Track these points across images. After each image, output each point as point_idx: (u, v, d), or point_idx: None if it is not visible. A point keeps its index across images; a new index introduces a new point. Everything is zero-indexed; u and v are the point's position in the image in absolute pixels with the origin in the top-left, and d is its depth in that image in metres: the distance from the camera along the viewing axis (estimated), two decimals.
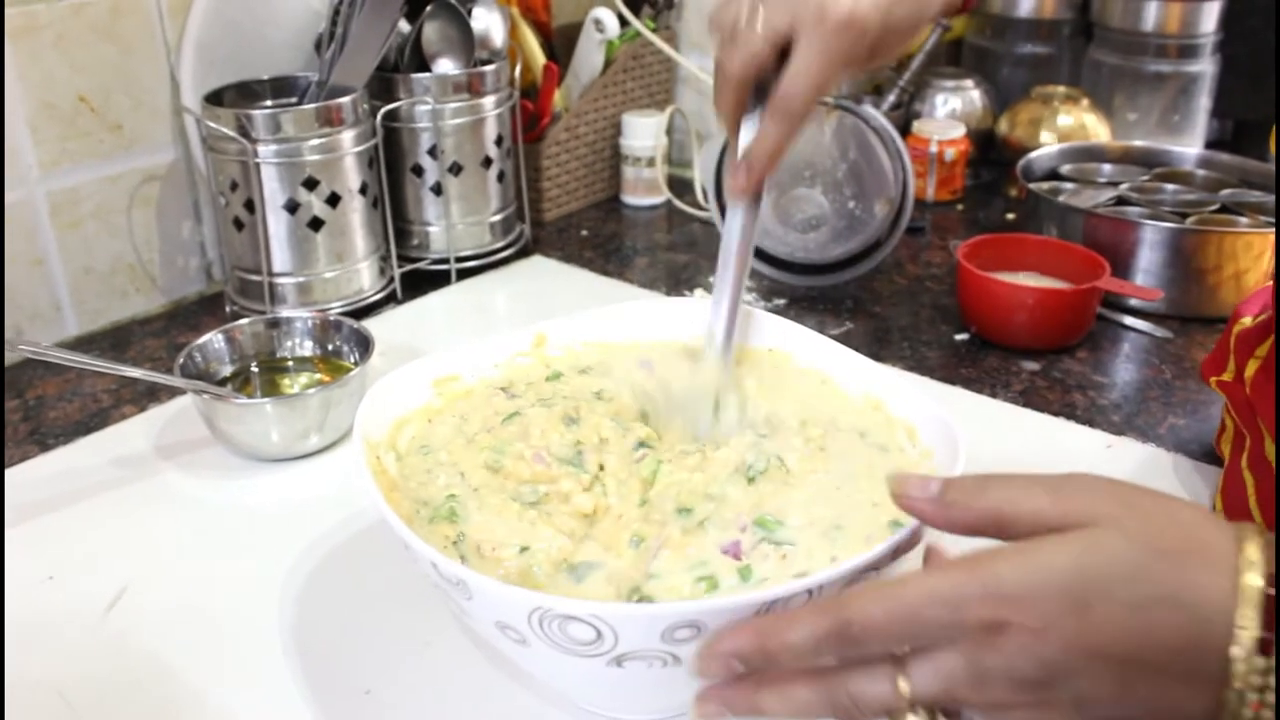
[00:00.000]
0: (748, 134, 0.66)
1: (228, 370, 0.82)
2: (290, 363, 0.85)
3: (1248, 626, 0.37)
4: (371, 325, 0.98)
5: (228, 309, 1.01)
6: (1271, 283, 0.69)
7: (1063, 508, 0.41)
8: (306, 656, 0.61)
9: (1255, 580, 0.38)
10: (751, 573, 0.51)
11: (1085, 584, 0.38)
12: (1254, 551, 0.39)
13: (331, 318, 0.85)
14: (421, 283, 1.07)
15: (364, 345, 0.82)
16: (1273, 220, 1.02)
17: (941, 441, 0.57)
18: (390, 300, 1.04)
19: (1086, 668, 0.39)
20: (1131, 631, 0.38)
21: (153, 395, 0.87)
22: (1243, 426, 0.69)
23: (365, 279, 1.01)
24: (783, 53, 0.63)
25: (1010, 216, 1.27)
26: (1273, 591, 0.37)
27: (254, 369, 0.84)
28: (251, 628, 0.63)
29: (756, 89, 0.65)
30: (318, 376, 0.84)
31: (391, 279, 1.04)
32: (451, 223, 1.07)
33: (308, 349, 0.85)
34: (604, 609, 0.43)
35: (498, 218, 1.11)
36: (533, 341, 0.70)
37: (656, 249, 1.20)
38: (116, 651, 0.61)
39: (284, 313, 0.89)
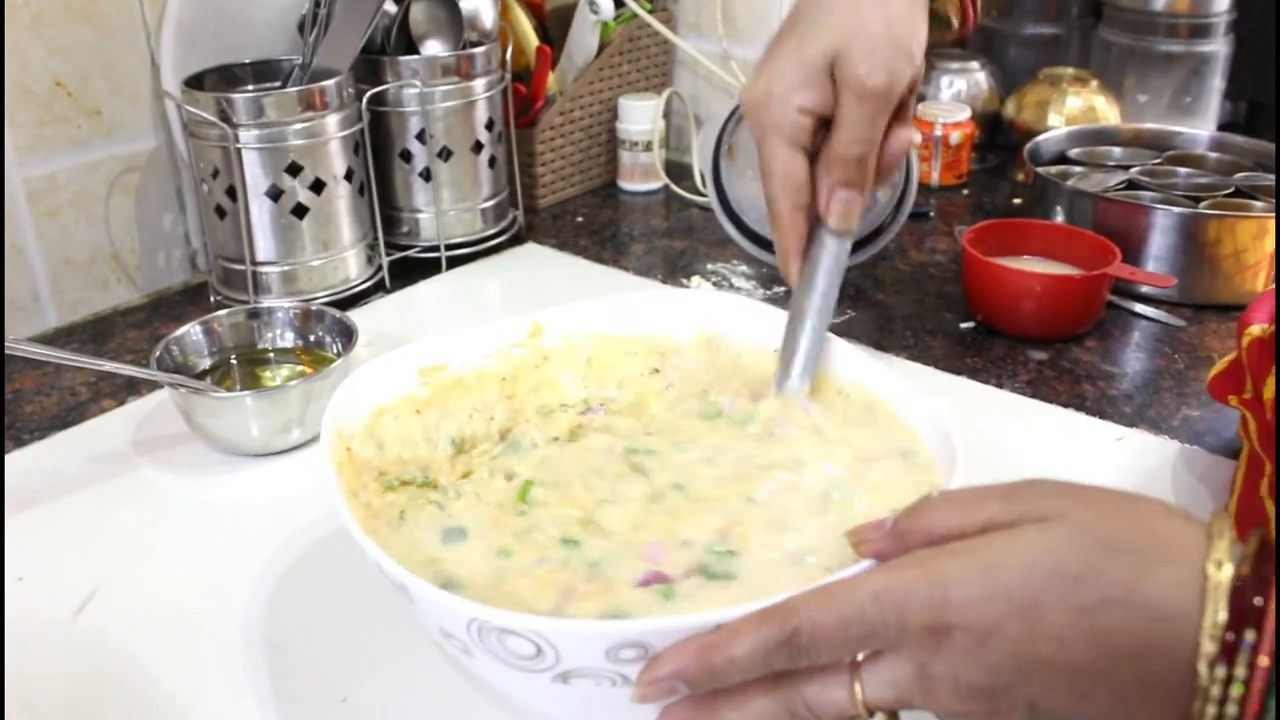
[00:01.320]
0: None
1: (206, 363, 0.80)
2: (272, 354, 0.82)
3: (1215, 630, 0.34)
4: (359, 315, 0.95)
5: (212, 299, 0.98)
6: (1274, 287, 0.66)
7: (1014, 510, 0.38)
8: (283, 661, 0.58)
9: (1223, 574, 0.35)
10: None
11: (1032, 584, 0.36)
12: (1223, 548, 0.35)
13: (314, 308, 0.83)
14: (411, 271, 1.05)
15: (347, 335, 0.79)
16: None
17: (941, 451, 0.54)
18: (379, 289, 1.01)
19: (1036, 675, 0.36)
20: (1082, 637, 0.35)
21: (132, 389, 0.85)
22: (1262, 451, 0.63)
23: (352, 267, 0.98)
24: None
25: (1017, 201, 1.24)
26: (1244, 582, 0.34)
27: (234, 361, 0.81)
28: (227, 631, 0.60)
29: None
30: (300, 368, 0.81)
31: (380, 267, 1.01)
32: (441, 209, 1.05)
33: (289, 340, 0.82)
34: (541, 624, 0.40)
35: (489, 204, 1.08)
36: (528, 331, 0.67)
37: (654, 235, 1.17)
38: (86, 655, 0.59)
39: (267, 302, 0.86)
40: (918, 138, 0.66)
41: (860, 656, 0.39)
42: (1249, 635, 0.34)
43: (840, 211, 0.65)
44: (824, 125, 0.64)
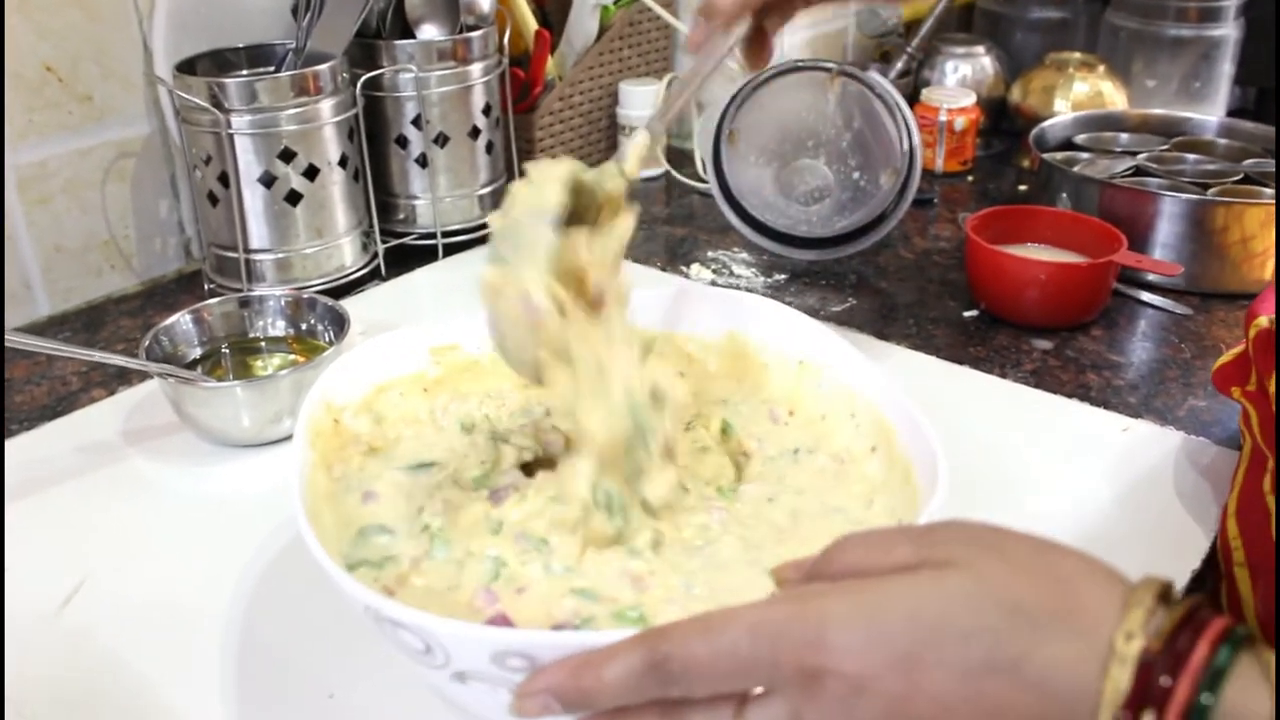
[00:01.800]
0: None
1: (197, 352, 0.79)
2: (263, 344, 0.81)
3: (1114, 710, 0.31)
4: (354, 303, 0.94)
5: (205, 287, 0.97)
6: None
7: (920, 554, 0.36)
8: (270, 657, 0.57)
9: (1130, 648, 0.31)
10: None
11: (915, 635, 0.33)
12: (1137, 617, 0.32)
13: (305, 296, 0.81)
14: (407, 258, 1.03)
15: (339, 324, 0.78)
16: None
17: (925, 471, 0.52)
18: (374, 277, 1.00)
19: None
20: (961, 702, 0.32)
21: (123, 378, 0.84)
22: (1264, 446, 0.61)
23: (347, 255, 0.97)
24: None
25: (1022, 188, 1.22)
26: (1153, 662, 0.31)
27: (225, 351, 0.80)
28: (214, 625, 0.59)
29: None
30: (292, 357, 0.80)
31: (375, 255, 1.00)
32: (438, 196, 1.03)
33: (280, 329, 0.81)
34: (426, 621, 0.39)
35: (487, 190, 1.07)
36: None
37: (654, 222, 1.15)
38: (71, 650, 0.58)
39: (261, 290, 0.85)
40: None
41: (757, 691, 0.36)
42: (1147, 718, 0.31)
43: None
44: None
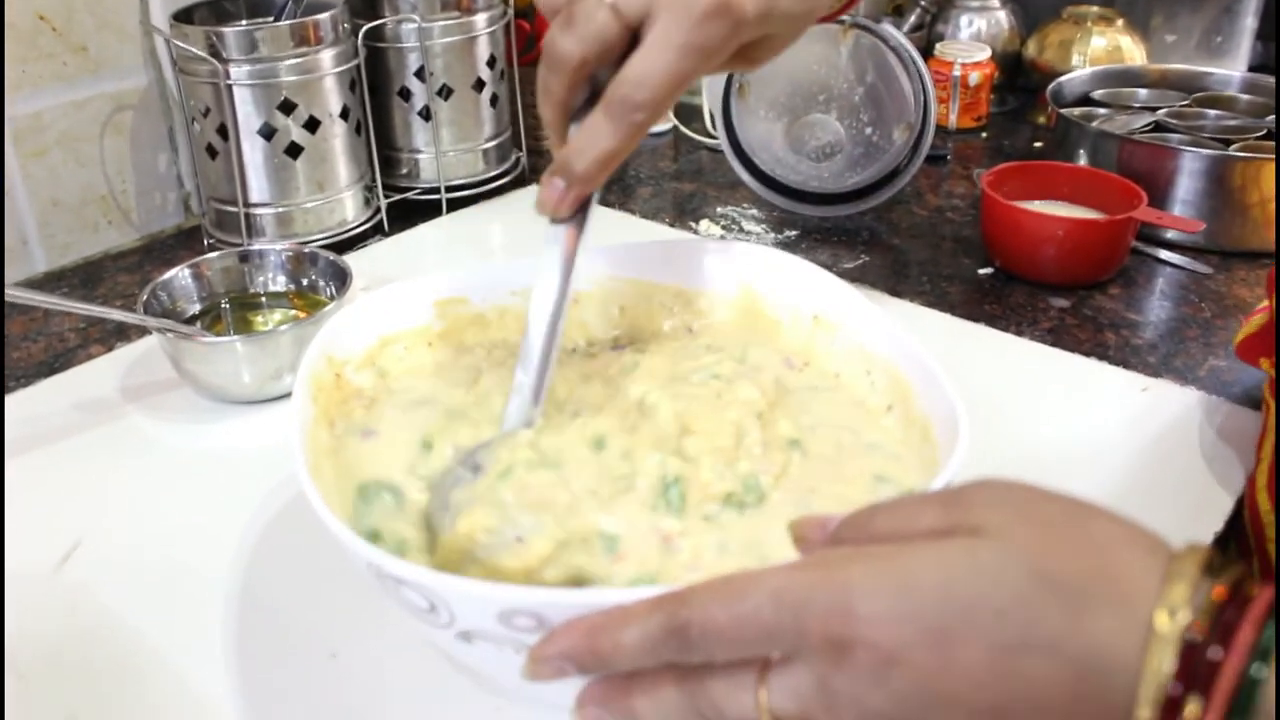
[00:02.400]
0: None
1: (196, 308, 0.77)
2: (263, 299, 0.79)
3: (1157, 692, 0.29)
4: (356, 258, 0.93)
5: (205, 242, 0.95)
6: None
7: (950, 518, 0.34)
8: (271, 616, 0.56)
9: (1173, 625, 0.29)
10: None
11: (947, 609, 0.31)
12: (1180, 591, 0.30)
13: (306, 250, 0.80)
14: (410, 213, 1.01)
15: (341, 279, 0.77)
16: None
17: (944, 429, 0.49)
18: (376, 232, 0.98)
19: (948, 713, 0.32)
20: (1000, 679, 0.31)
21: (121, 334, 0.82)
22: None
23: (349, 209, 0.95)
24: (633, 39, 0.49)
25: (1038, 145, 1.20)
26: (1198, 640, 0.29)
27: (225, 306, 0.78)
28: (213, 584, 0.58)
29: (594, 84, 0.51)
30: (293, 313, 0.78)
31: (378, 210, 0.98)
32: (442, 150, 1.01)
33: (281, 284, 0.79)
34: (429, 579, 0.38)
35: (491, 144, 1.05)
36: None
37: (661, 178, 1.13)
38: (69, 609, 0.57)
39: (259, 245, 0.83)
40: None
41: (776, 656, 0.35)
42: (1192, 704, 0.29)
43: (543, 199, 0.53)
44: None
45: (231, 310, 0.78)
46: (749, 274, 0.64)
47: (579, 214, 0.53)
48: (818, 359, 0.60)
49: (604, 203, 1.06)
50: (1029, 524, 0.33)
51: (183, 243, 0.99)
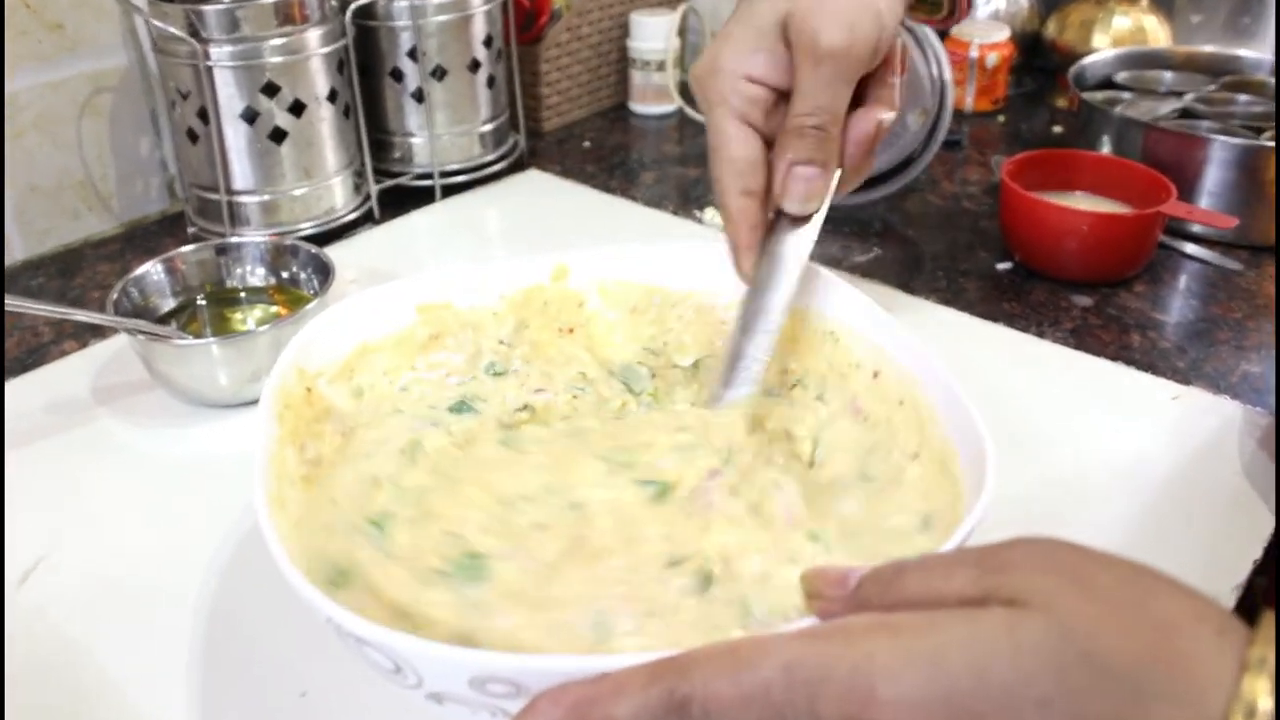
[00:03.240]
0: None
1: (170, 304, 0.73)
2: (243, 294, 0.75)
3: None
4: (345, 248, 0.89)
5: (189, 230, 0.91)
6: None
7: (988, 583, 0.30)
8: (240, 647, 0.52)
9: None
10: None
11: (982, 695, 0.27)
12: (1259, 686, 0.26)
13: (287, 242, 0.75)
14: (403, 200, 0.97)
15: (324, 273, 0.72)
16: None
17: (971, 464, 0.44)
18: (367, 220, 0.94)
19: None
20: None
21: (97, 330, 0.78)
22: None
23: (338, 197, 0.91)
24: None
25: (1057, 130, 1.15)
26: None
27: (201, 302, 0.74)
28: (181, 610, 0.54)
29: None
30: (274, 309, 0.74)
31: (368, 197, 0.94)
32: (436, 133, 0.97)
33: (260, 278, 0.75)
34: (395, 640, 0.34)
35: (488, 128, 1.00)
36: (552, 274, 0.59)
37: (666, 162, 1.09)
38: (24, 635, 0.53)
39: (236, 237, 0.79)
40: (889, 117, 0.55)
41: None
42: None
43: (798, 192, 0.54)
44: (783, 99, 0.55)
45: (208, 306, 0.74)
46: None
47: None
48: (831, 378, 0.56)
49: (605, 188, 1.02)
50: (1077, 595, 0.28)
51: (167, 230, 0.95)
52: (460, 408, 0.57)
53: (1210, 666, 0.27)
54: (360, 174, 0.93)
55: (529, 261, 0.59)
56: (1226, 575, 0.54)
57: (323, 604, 0.35)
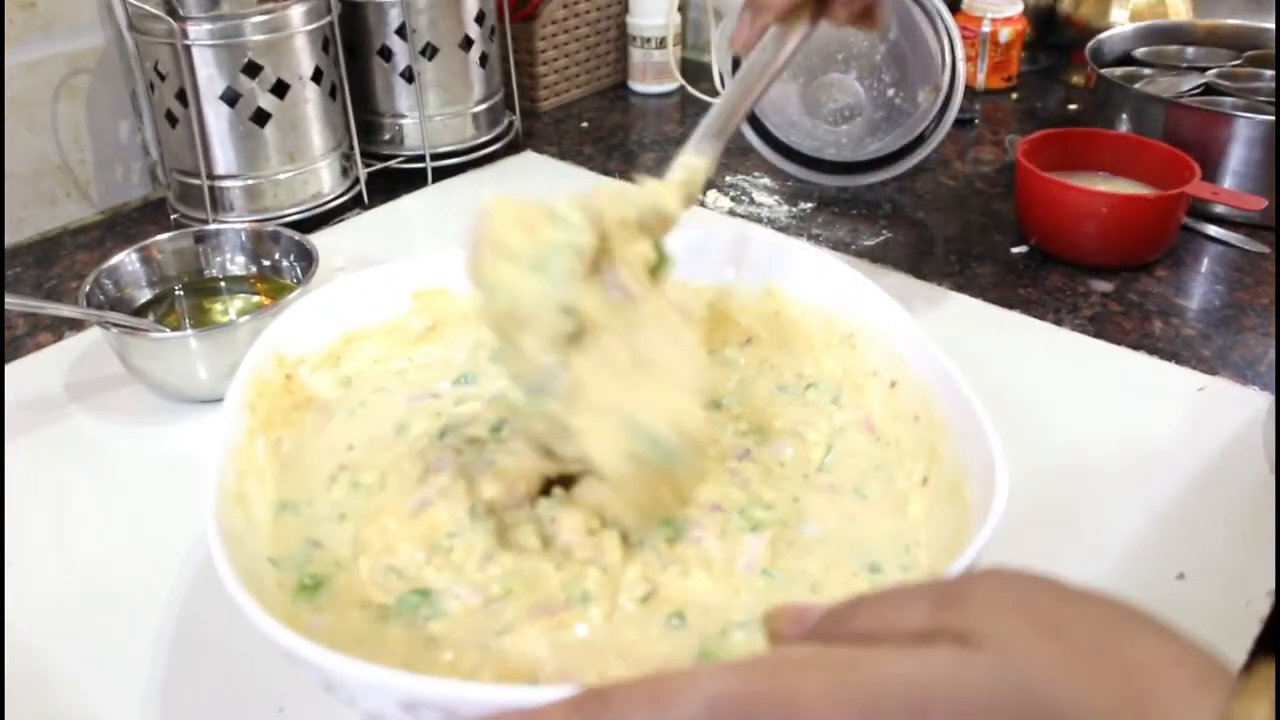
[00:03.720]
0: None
1: (147, 295, 0.70)
2: (222, 283, 0.72)
3: None
4: (333, 234, 0.86)
5: (171, 217, 0.88)
6: None
7: (942, 618, 0.27)
8: (213, 660, 0.49)
9: None
10: None
11: None
12: None
13: (268, 229, 0.72)
14: (393, 184, 0.94)
15: (307, 260, 0.69)
16: None
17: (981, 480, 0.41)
18: (356, 205, 0.91)
19: None
20: None
21: (71, 323, 0.75)
22: None
23: (325, 180, 0.87)
24: None
25: (1072, 107, 1.11)
26: None
27: (178, 293, 0.71)
28: (154, 618, 0.51)
29: None
30: (256, 299, 0.71)
31: (356, 180, 0.90)
32: (427, 114, 0.93)
33: (240, 266, 0.72)
34: (317, 655, 0.32)
35: (481, 108, 0.97)
36: None
37: (667, 142, 1.05)
38: None
39: (222, 223, 0.75)
40: None
41: None
42: None
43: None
44: None
45: (186, 297, 0.71)
46: (774, 274, 0.56)
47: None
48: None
49: (603, 170, 0.99)
50: (1038, 636, 0.25)
51: (149, 217, 0.92)
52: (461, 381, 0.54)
53: (1188, 709, 0.24)
54: (348, 157, 0.90)
55: None
56: (1257, 579, 0.51)
57: (254, 612, 0.33)
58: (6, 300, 0.60)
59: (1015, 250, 0.83)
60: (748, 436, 0.51)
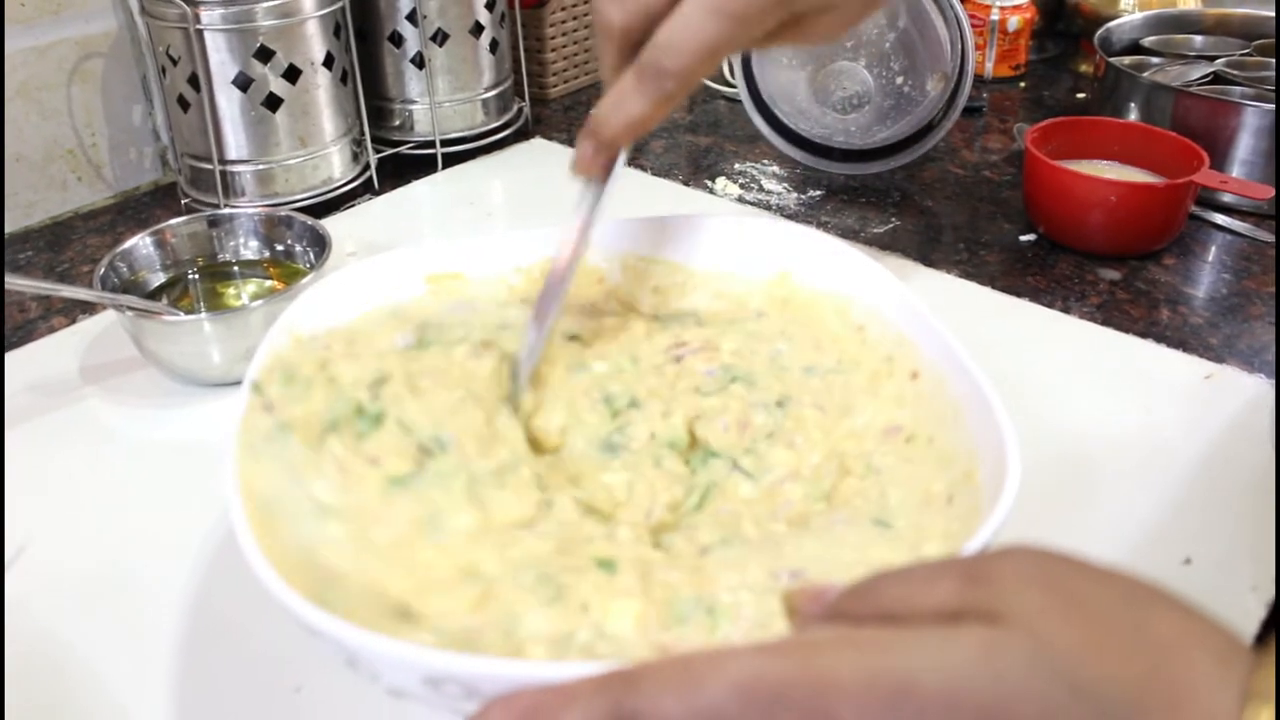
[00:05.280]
0: None
1: (160, 278, 0.70)
2: (236, 267, 0.72)
3: None
4: (344, 219, 0.86)
5: (182, 202, 0.88)
6: None
7: (969, 596, 0.27)
8: (231, 641, 0.50)
9: None
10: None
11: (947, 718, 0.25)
12: (1265, 717, 0.23)
13: (281, 214, 0.72)
14: (403, 170, 0.94)
15: (320, 245, 0.69)
16: None
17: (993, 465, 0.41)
18: (366, 190, 0.91)
19: None
20: None
21: (86, 306, 0.75)
22: None
23: (335, 166, 0.87)
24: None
25: (1081, 96, 1.11)
26: None
27: (192, 276, 0.71)
28: (170, 601, 0.52)
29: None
30: (269, 283, 0.72)
31: (367, 166, 0.91)
32: (437, 100, 0.93)
33: (254, 251, 0.72)
34: (345, 632, 0.32)
35: (491, 94, 0.97)
36: None
37: (675, 130, 1.05)
38: (6, 627, 0.51)
39: (235, 207, 0.76)
40: None
41: None
42: None
43: (576, 159, 0.50)
44: None
45: (200, 281, 0.71)
46: (786, 262, 0.56)
47: (605, 173, 0.50)
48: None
49: None
50: (1065, 614, 0.26)
51: (159, 201, 0.92)
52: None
53: (1210, 696, 0.24)
54: (358, 143, 0.90)
55: (544, 233, 0.56)
56: (1263, 565, 0.52)
57: (278, 587, 0.33)
58: (22, 282, 0.61)
59: (1023, 238, 0.83)
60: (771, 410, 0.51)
